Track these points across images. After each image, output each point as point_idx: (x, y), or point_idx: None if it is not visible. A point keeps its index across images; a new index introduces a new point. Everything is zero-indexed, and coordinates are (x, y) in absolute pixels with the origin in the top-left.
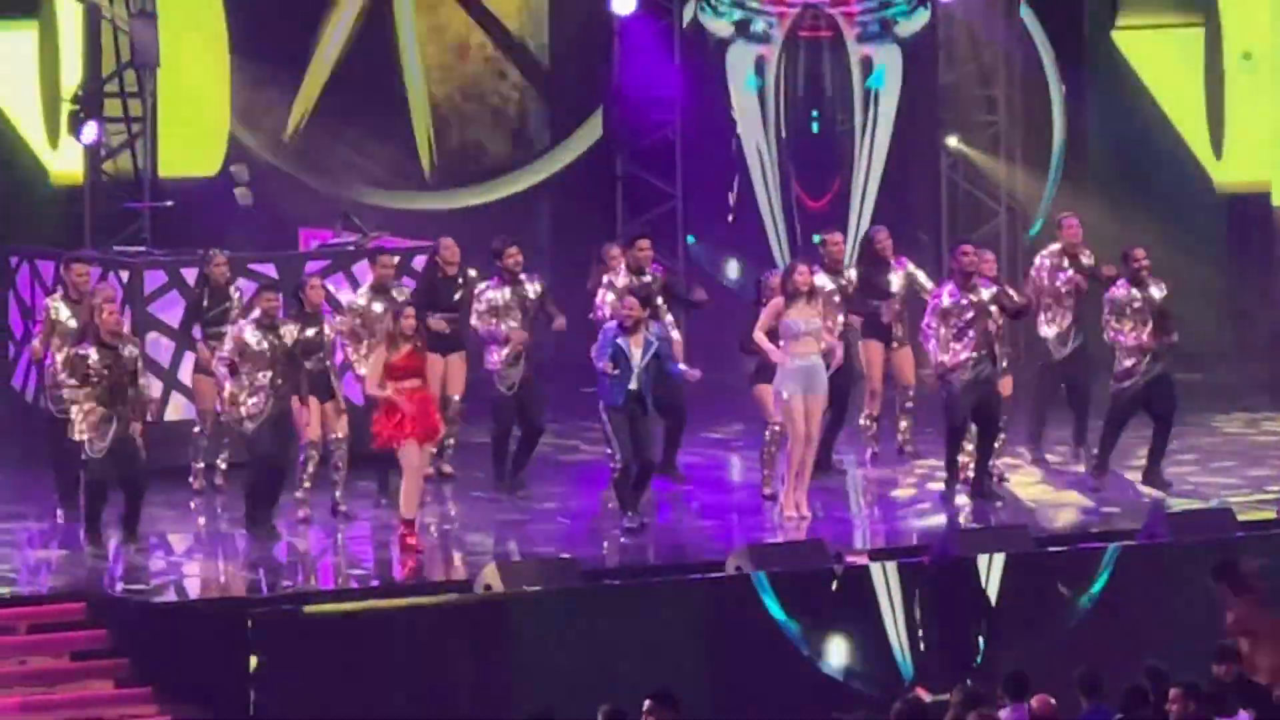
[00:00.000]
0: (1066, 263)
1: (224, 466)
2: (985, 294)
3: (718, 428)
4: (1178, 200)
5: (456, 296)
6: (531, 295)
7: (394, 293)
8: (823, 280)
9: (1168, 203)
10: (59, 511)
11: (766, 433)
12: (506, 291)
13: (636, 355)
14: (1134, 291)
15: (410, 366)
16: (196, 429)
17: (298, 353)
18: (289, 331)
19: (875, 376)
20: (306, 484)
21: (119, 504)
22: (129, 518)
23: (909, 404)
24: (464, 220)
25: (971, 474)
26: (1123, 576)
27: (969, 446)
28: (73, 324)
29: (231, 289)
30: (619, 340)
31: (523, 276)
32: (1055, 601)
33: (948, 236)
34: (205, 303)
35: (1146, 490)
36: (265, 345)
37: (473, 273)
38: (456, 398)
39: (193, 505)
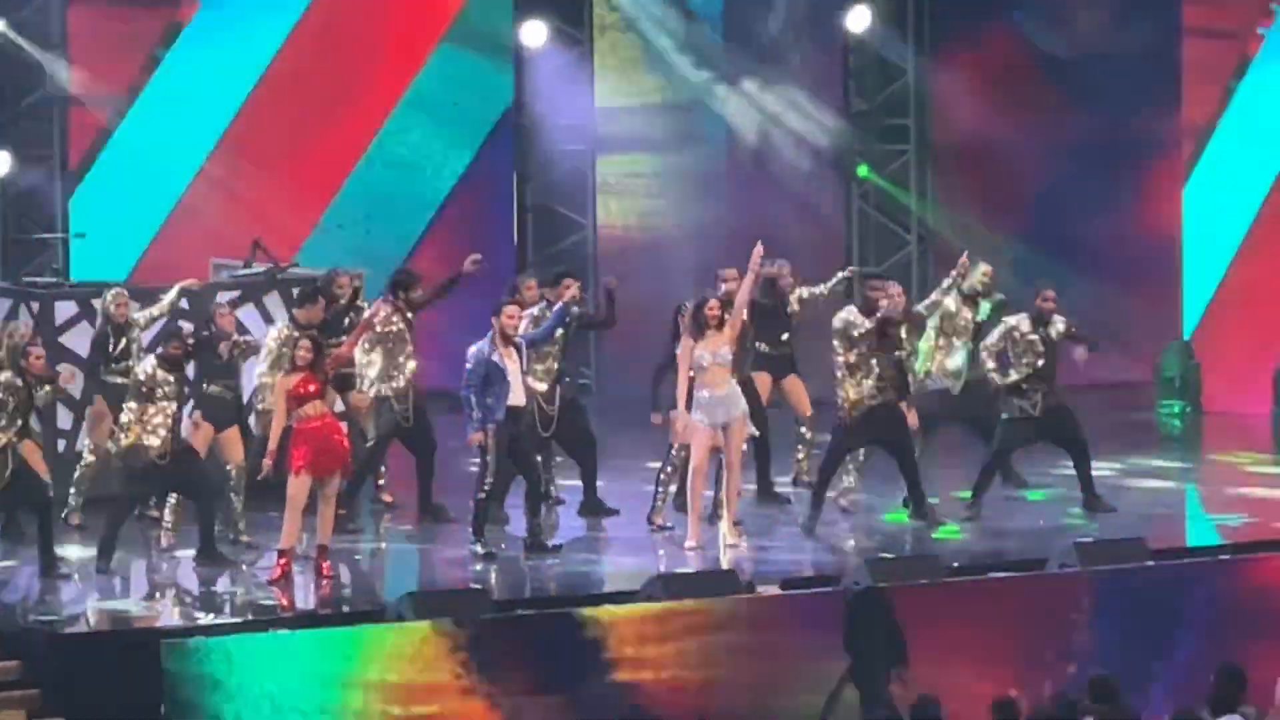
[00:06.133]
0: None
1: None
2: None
3: (638, 455)
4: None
5: (345, 322)
6: None
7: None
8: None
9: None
10: None
11: (668, 460)
12: None
13: (512, 368)
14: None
15: (307, 393)
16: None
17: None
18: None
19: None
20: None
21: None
22: (44, 547)
23: (807, 434)
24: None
25: (846, 502)
26: (1033, 604)
27: (847, 480)
28: None
29: (134, 327)
30: (493, 358)
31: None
32: (970, 628)
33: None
34: (110, 341)
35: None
36: (172, 382)
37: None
38: None
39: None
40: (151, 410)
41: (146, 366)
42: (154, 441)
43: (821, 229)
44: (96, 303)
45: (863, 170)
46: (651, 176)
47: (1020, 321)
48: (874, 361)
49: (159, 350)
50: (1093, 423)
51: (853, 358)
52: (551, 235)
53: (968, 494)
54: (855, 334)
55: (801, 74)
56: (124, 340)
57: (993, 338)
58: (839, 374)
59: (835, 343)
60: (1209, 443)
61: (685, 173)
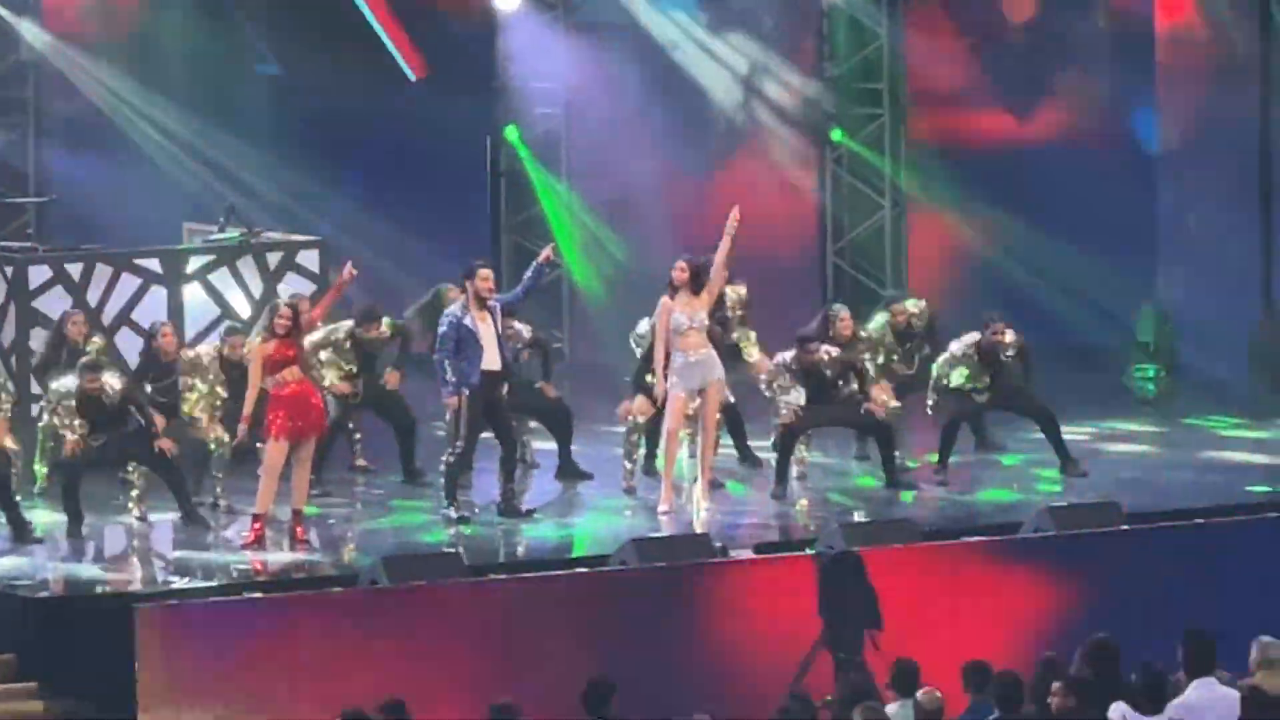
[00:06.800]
0: None
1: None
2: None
3: (611, 420)
4: None
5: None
6: None
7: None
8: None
9: None
10: None
11: (629, 426)
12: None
13: (485, 332)
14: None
15: (285, 357)
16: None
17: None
18: (111, 397)
19: None
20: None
21: None
22: (11, 516)
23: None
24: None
25: (798, 470)
26: (1010, 569)
27: (800, 450)
28: None
29: (89, 344)
30: (466, 322)
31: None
32: (944, 592)
33: (832, 231)
34: (63, 358)
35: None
36: (82, 416)
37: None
38: None
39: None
40: (73, 415)
41: (63, 388)
42: (74, 436)
43: (796, 193)
44: (71, 267)
45: (837, 134)
46: (625, 140)
47: (971, 354)
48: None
49: (79, 382)
50: (1066, 386)
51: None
52: (525, 199)
53: (934, 457)
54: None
55: (775, 37)
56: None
57: (947, 360)
58: (773, 396)
59: (764, 379)
60: (1183, 406)
61: (659, 136)
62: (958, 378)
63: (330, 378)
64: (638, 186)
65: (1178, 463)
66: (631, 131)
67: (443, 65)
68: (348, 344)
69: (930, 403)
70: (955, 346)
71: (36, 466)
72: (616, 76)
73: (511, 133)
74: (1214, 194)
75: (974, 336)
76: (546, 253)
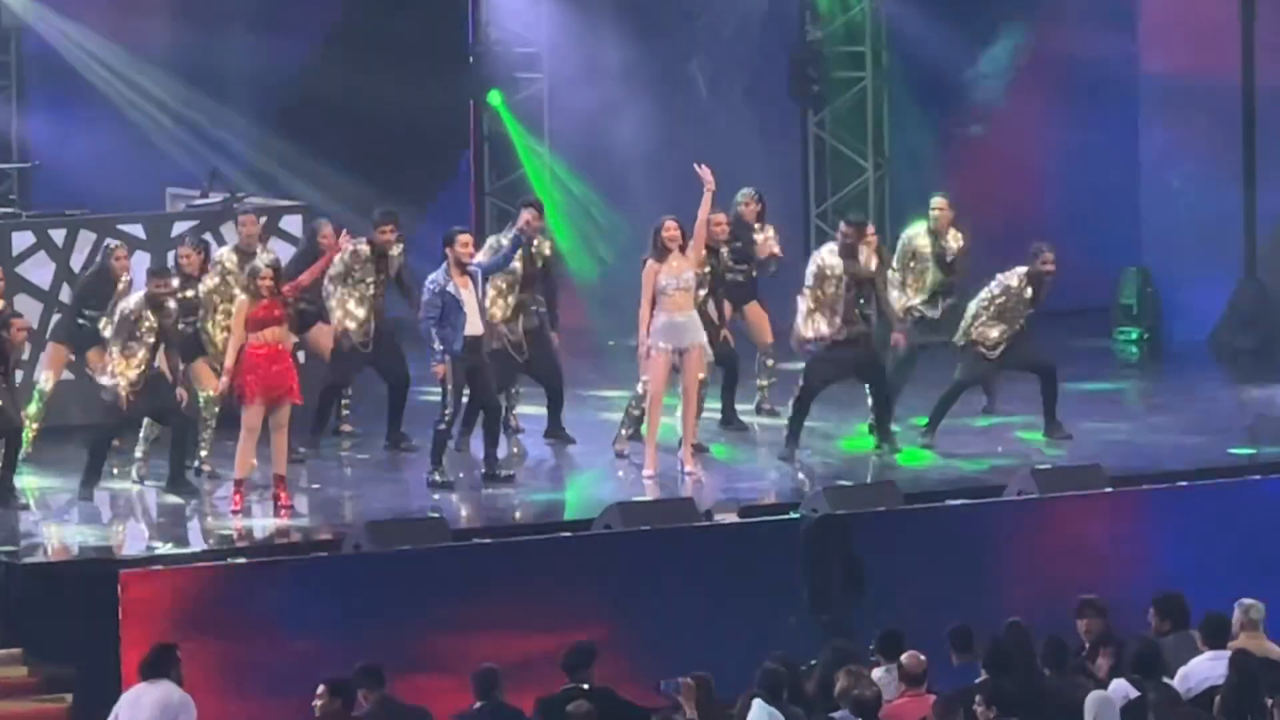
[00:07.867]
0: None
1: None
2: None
3: (591, 384)
4: None
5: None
6: None
7: (259, 256)
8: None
9: None
10: None
11: (635, 391)
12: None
13: (467, 298)
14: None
15: (271, 316)
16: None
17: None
18: (172, 310)
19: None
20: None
21: None
22: (5, 479)
23: (769, 362)
24: None
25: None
26: (992, 533)
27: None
28: None
29: (121, 282)
30: (449, 288)
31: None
32: (926, 558)
33: (815, 194)
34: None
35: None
36: (154, 320)
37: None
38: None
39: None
40: (134, 346)
41: (132, 303)
42: (132, 375)
43: (779, 156)
44: (54, 232)
45: (819, 98)
46: (608, 103)
47: (1022, 286)
48: (842, 301)
49: (145, 290)
50: (1050, 349)
51: (821, 296)
52: (507, 164)
53: (924, 420)
54: (829, 275)
55: None
56: (110, 292)
57: (992, 292)
58: (804, 309)
59: (809, 283)
60: (1165, 369)
61: (642, 99)
62: (997, 314)
63: (338, 316)
64: (620, 150)
65: (1160, 425)
66: (614, 95)
67: (424, 29)
68: (367, 254)
69: (961, 341)
70: (1005, 277)
71: (26, 430)
72: (599, 40)
73: (495, 97)
74: (1196, 154)
75: (1021, 269)
76: (526, 217)
